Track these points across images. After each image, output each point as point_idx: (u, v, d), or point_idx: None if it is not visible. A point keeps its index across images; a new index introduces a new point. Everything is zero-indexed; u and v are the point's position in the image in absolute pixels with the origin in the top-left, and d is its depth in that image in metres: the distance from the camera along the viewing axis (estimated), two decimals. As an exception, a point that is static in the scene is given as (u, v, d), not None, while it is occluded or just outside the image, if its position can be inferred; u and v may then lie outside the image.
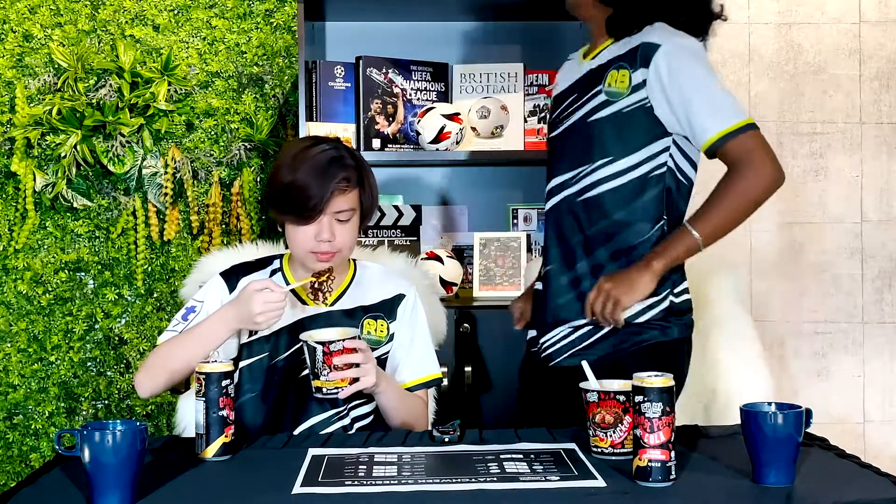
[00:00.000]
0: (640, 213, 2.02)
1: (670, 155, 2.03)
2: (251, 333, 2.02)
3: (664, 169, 2.02)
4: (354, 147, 2.94)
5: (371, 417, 2.04)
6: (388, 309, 2.08)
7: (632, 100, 2.00)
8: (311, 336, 1.86)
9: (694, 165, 2.07)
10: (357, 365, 1.85)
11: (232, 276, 2.06)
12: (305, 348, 1.85)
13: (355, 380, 1.86)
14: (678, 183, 2.05)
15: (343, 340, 1.84)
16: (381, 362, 2.05)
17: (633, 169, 2.02)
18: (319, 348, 1.83)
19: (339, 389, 1.84)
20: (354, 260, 2.13)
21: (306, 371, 1.93)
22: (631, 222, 2.03)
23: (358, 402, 2.01)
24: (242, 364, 2.02)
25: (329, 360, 1.83)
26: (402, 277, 2.17)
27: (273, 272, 2.08)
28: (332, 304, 2.04)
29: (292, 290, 2.01)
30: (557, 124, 2.16)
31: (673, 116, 1.98)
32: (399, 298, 2.09)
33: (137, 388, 2.00)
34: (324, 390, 1.84)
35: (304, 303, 2.04)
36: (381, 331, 2.06)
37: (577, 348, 2.05)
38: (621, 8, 2.05)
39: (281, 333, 2.01)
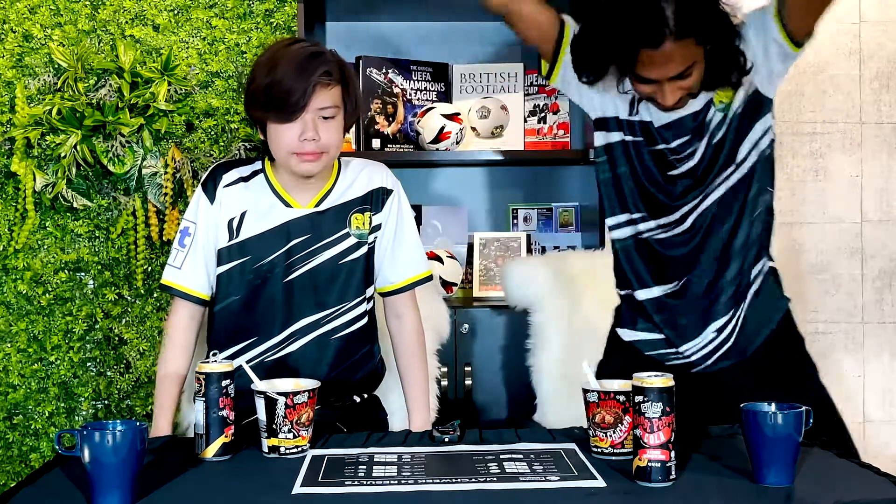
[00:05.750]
0: None
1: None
2: (232, 236, 1.99)
3: None
4: (354, 148, 2.95)
5: (365, 320, 2.06)
6: (372, 201, 2.06)
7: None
8: (274, 386, 1.68)
9: None
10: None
11: (209, 184, 2.03)
12: (262, 401, 1.64)
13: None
14: None
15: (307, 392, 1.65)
16: (368, 254, 2.06)
17: None
18: (281, 400, 1.63)
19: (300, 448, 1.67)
20: (339, 158, 2.10)
21: (295, 275, 1.96)
22: None
23: (351, 303, 2.03)
24: (221, 269, 2.00)
25: (292, 415, 1.63)
26: (386, 171, 2.14)
27: (255, 172, 2.04)
28: (318, 204, 2.02)
29: (275, 193, 2.00)
30: None
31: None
32: (385, 192, 2.08)
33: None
34: (281, 450, 1.65)
35: (287, 205, 2.01)
36: (367, 224, 2.05)
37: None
38: None
39: (265, 236, 2.00)
